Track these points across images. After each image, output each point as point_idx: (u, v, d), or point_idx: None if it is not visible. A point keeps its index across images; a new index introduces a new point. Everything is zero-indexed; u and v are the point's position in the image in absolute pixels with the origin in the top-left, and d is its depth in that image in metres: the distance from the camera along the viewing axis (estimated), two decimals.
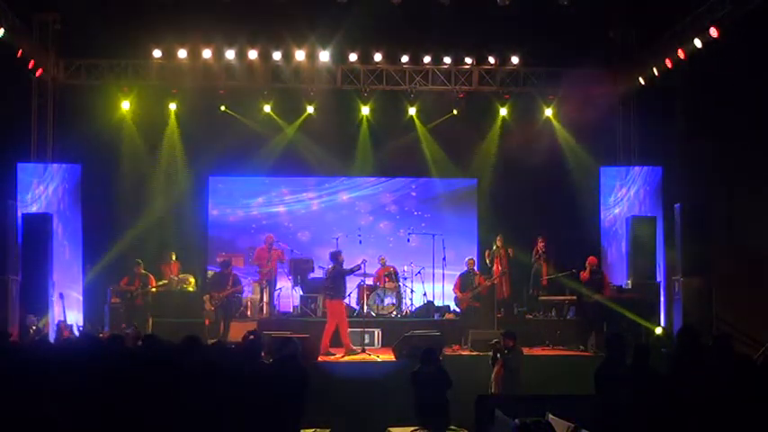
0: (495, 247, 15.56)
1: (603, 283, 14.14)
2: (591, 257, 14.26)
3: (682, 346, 7.71)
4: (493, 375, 10.65)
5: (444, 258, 15.50)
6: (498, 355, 10.75)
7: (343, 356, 12.93)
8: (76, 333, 13.43)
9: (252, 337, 9.41)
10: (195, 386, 6.63)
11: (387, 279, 15.48)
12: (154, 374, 6.66)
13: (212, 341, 10.95)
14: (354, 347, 13.22)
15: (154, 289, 14.60)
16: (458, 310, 14.94)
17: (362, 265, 14.17)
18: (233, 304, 14.43)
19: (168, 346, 7.99)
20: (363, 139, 16.99)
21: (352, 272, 13.84)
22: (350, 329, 13.49)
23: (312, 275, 15.81)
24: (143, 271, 14.66)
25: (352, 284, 14.80)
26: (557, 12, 13.77)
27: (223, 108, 16.43)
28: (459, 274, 14.96)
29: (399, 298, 15.44)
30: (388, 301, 15.31)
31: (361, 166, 17.20)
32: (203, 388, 6.66)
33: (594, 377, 7.64)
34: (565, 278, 14.67)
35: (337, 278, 13.44)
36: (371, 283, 15.32)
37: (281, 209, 17.44)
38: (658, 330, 13.58)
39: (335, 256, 13.63)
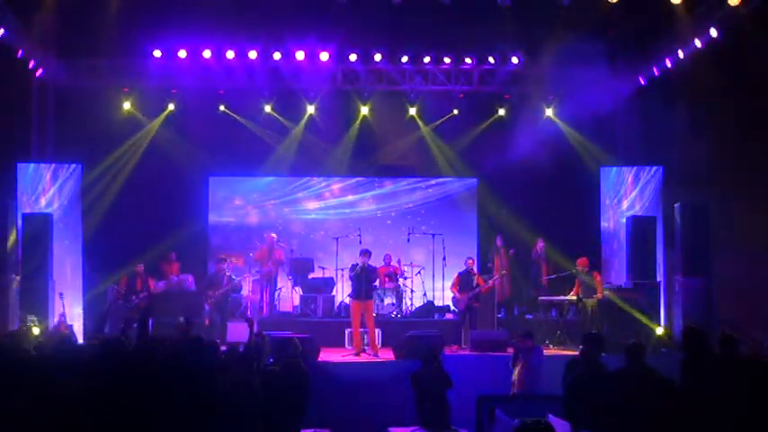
0: (495, 247, 15.54)
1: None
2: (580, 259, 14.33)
3: (687, 347, 7.68)
4: (515, 376, 10.53)
5: (444, 258, 15.50)
6: (520, 356, 10.66)
7: (344, 356, 12.95)
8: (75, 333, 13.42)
9: (256, 338, 9.41)
10: (196, 386, 6.64)
11: (387, 279, 15.47)
12: (156, 374, 6.67)
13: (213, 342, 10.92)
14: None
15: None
16: (456, 309, 14.92)
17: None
18: (229, 304, 14.42)
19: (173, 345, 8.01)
20: (364, 139, 17.02)
21: (377, 280, 13.89)
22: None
23: (312, 275, 15.82)
24: (142, 272, 14.73)
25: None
26: (557, 12, 13.77)
27: (222, 108, 16.50)
28: (457, 273, 14.94)
29: (399, 298, 15.43)
30: (388, 301, 15.29)
31: (361, 167, 17.24)
32: (204, 388, 6.66)
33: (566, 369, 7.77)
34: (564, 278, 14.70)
35: (370, 279, 13.43)
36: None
37: (281, 209, 17.42)
38: (659, 330, 13.57)
39: (369, 256, 13.51)
